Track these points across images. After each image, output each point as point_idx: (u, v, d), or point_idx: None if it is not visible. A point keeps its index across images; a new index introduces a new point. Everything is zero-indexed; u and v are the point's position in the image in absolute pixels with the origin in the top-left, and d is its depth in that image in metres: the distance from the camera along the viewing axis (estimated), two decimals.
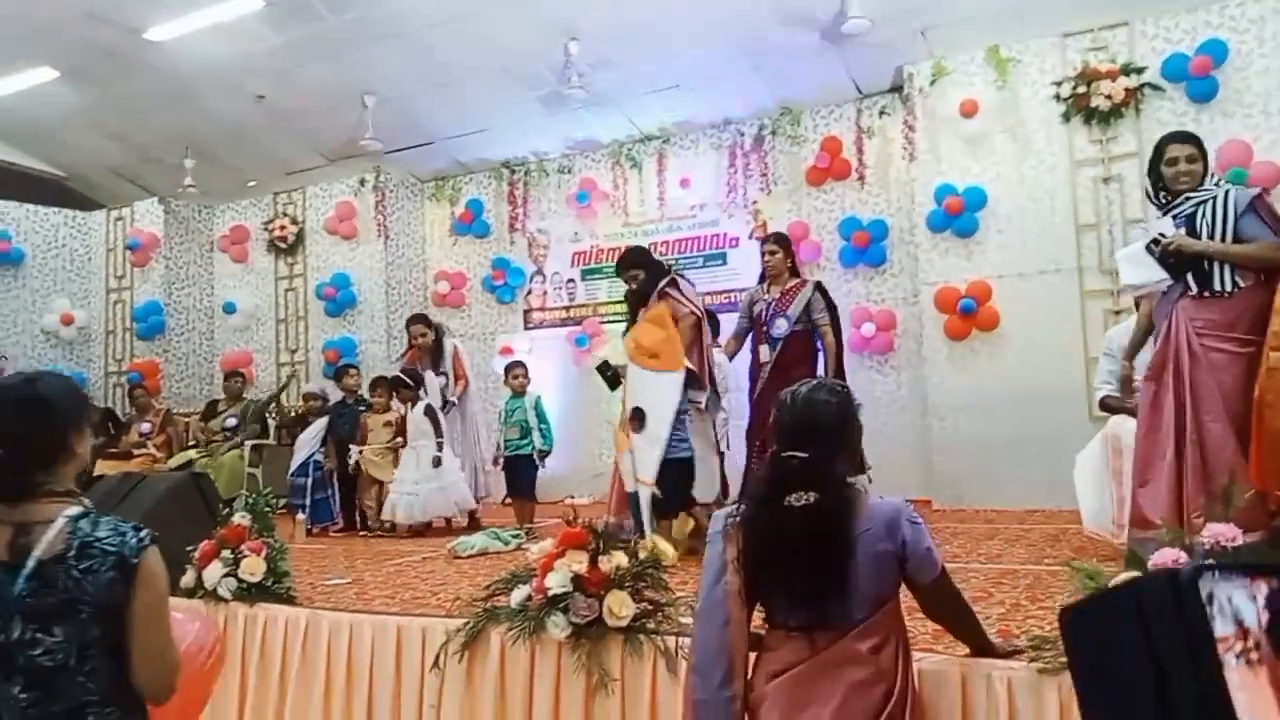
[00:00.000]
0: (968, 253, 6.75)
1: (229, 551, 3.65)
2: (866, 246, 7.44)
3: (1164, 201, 3.63)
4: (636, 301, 4.97)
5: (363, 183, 9.36)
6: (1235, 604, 0.46)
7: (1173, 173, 3.56)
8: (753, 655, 2.11)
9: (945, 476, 6.71)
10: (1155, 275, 3.55)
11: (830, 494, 2.02)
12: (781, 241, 5.81)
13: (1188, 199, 3.53)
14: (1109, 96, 6.26)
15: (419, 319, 6.81)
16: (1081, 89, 6.34)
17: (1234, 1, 6.09)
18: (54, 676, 1.71)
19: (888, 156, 7.52)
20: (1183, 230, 3.50)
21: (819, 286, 5.72)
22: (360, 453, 6.47)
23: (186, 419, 8.89)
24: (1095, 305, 6.29)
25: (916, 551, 2.05)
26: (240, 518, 3.75)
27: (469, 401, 6.85)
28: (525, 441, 6.25)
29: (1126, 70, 6.25)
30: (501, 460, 6.39)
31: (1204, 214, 3.48)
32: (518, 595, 2.94)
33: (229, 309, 10.01)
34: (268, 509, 3.80)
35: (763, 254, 5.79)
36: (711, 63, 7.46)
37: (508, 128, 8.64)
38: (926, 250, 6.91)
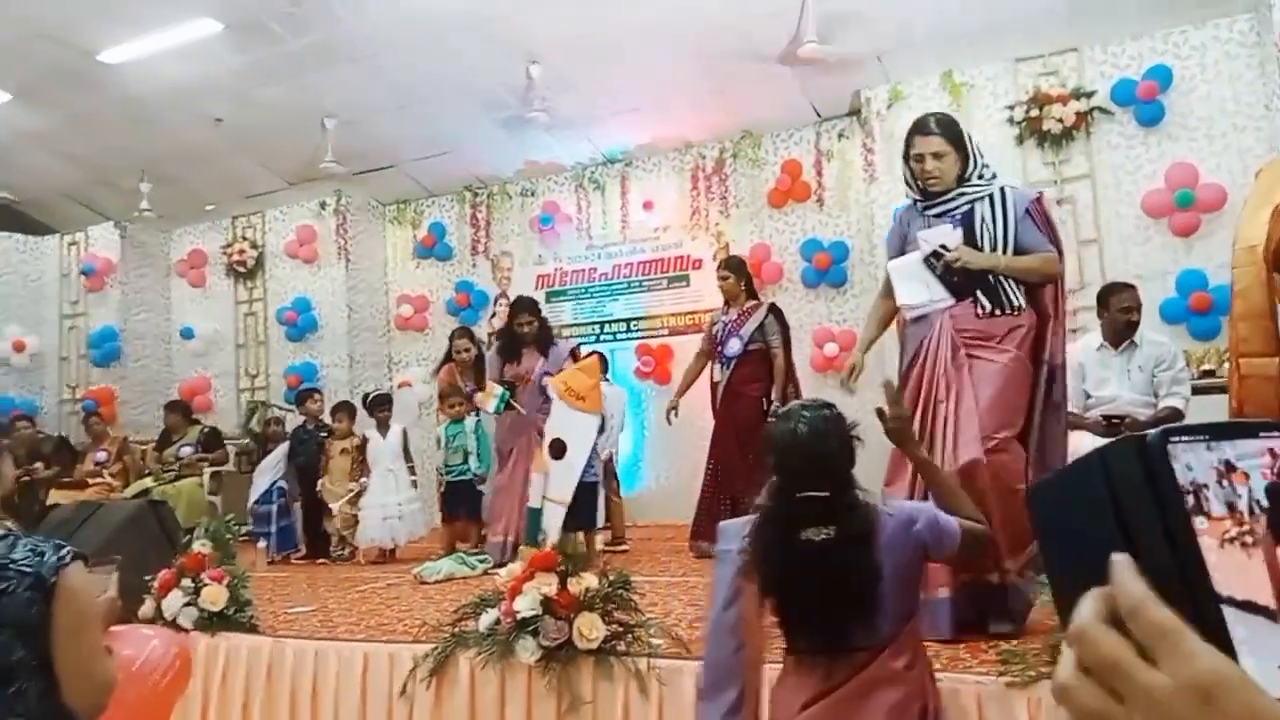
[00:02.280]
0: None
1: (189, 580, 3.57)
2: (828, 268, 7.54)
3: (921, 197, 3.20)
4: (518, 344, 5.88)
5: (323, 206, 9.30)
6: (1226, 480, 0.46)
7: (920, 170, 3.14)
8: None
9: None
10: (938, 294, 3.09)
11: (849, 525, 1.99)
12: (733, 266, 5.94)
13: (961, 194, 3.12)
14: (1060, 120, 6.42)
15: (464, 333, 6.68)
16: (1034, 112, 6.50)
17: (1177, 29, 6.28)
18: None
19: (847, 179, 7.63)
20: (959, 234, 3.08)
21: (773, 309, 5.86)
22: (322, 486, 6.43)
23: (144, 447, 8.72)
24: None
25: (936, 538, 2.05)
26: (200, 545, 3.68)
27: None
28: (466, 466, 6.18)
29: (1077, 94, 6.42)
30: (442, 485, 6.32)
31: (983, 216, 3.09)
32: (486, 619, 2.92)
33: (187, 334, 9.87)
34: (229, 536, 3.73)
35: (718, 279, 5.95)
36: (672, 86, 7.54)
37: (470, 150, 8.64)
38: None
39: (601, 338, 8.50)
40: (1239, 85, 6.10)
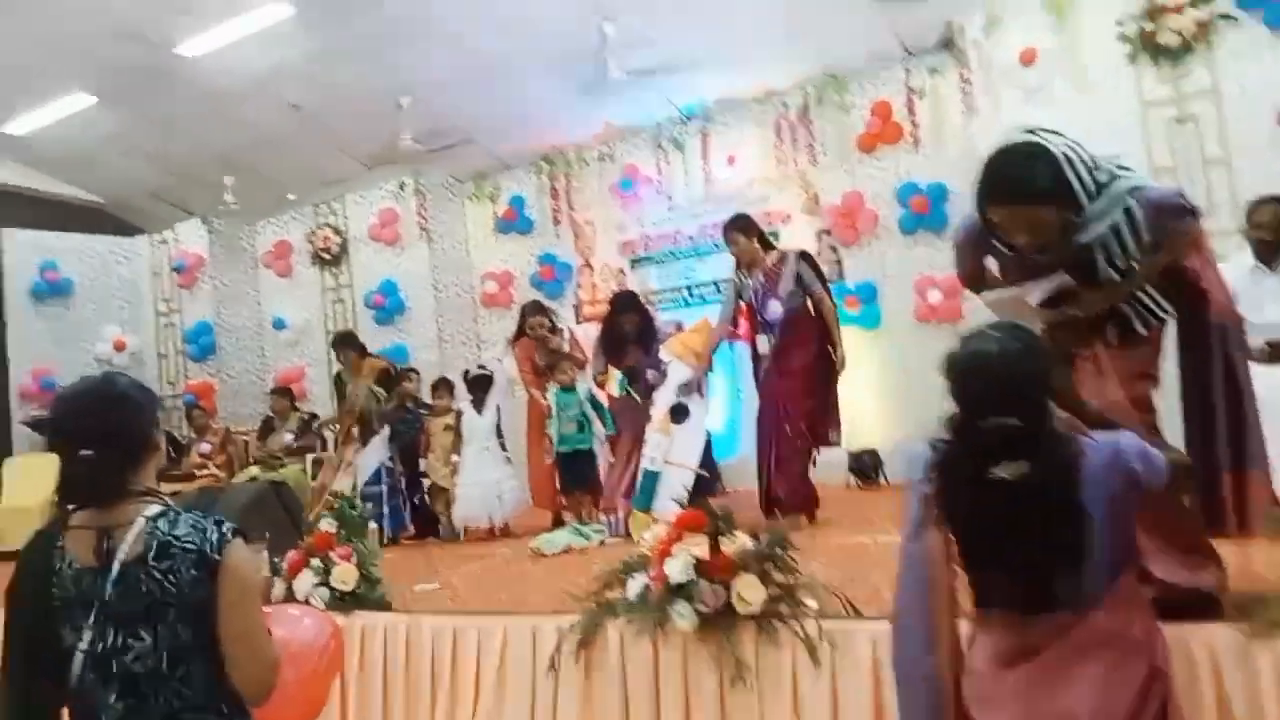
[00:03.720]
0: None
1: (318, 560, 3.52)
2: (927, 212, 7.19)
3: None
4: (622, 340, 5.84)
5: (403, 187, 9.26)
6: None
7: (1008, 240, 2.34)
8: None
9: None
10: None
11: (1047, 459, 1.77)
12: (741, 226, 5.35)
13: (1072, 245, 2.30)
14: (1178, 32, 5.96)
15: (536, 308, 6.56)
16: (1148, 26, 6.04)
17: None
18: (147, 682, 1.68)
19: (942, 117, 7.26)
20: (1078, 278, 2.38)
21: (803, 255, 5.33)
22: (427, 464, 6.39)
23: (245, 437, 8.85)
24: None
25: (1147, 466, 1.81)
26: (327, 524, 3.62)
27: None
28: (584, 436, 5.99)
29: (1195, 2, 5.95)
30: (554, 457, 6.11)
31: (1106, 258, 2.33)
32: (634, 586, 2.77)
33: (278, 325, 9.96)
34: (356, 513, 3.66)
35: (730, 246, 5.39)
36: (748, 33, 7.23)
37: (545, 117, 8.48)
38: None
39: (690, 302, 8.30)
40: None
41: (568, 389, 6.04)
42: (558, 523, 5.98)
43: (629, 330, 5.95)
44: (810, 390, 5.13)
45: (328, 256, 9.75)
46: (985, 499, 1.79)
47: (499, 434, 6.46)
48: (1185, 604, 2.23)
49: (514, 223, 9.19)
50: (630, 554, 2.95)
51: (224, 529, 1.79)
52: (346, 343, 7.16)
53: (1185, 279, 2.44)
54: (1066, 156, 2.19)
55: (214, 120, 8.55)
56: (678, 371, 5.31)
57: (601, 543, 5.01)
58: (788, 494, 5.05)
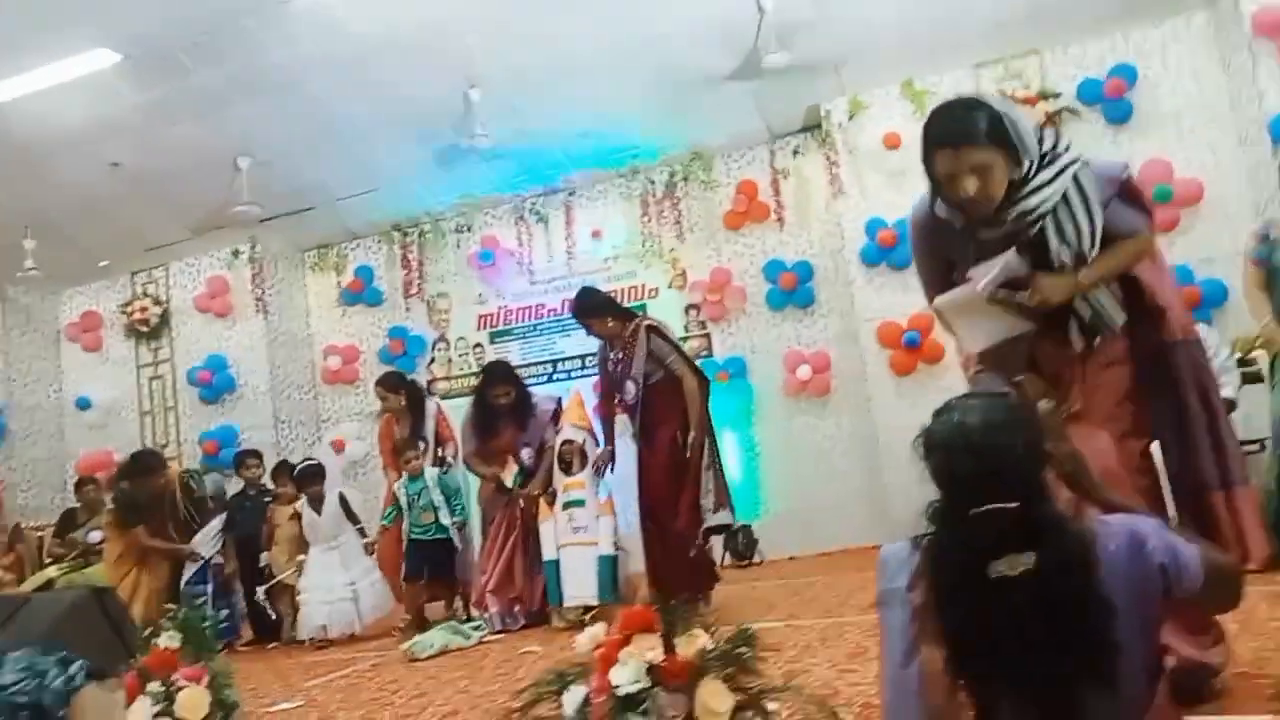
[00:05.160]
0: (904, 285, 6.57)
1: (158, 684, 2.88)
2: (794, 288, 7.23)
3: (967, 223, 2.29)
4: (492, 416, 5.53)
5: (236, 254, 8.53)
6: None
7: (955, 195, 2.20)
8: None
9: (903, 518, 6.39)
10: (1009, 330, 2.35)
11: (1055, 548, 1.52)
12: (586, 311, 5.07)
13: (1023, 212, 2.19)
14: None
15: (382, 381, 6.15)
16: None
17: (1136, 29, 6.26)
18: None
19: (806, 196, 7.38)
20: (1030, 259, 2.26)
21: (651, 328, 4.93)
22: (268, 559, 5.63)
23: (39, 532, 7.70)
24: None
25: (1175, 564, 1.55)
26: (168, 639, 2.99)
27: (458, 464, 5.97)
28: (441, 524, 5.52)
29: (1044, 95, 6.32)
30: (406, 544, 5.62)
31: (1059, 226, 2.23)
32: (572, 700, 2.35)
33: (82, 404, 8.87)
34: (204, 622, 3.05)
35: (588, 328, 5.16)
36: (619, 108, 7.16)
37: (399, 186, 8.05)
38: (861, 286, 6.75)
39: (554, 377, 7.97)
40: (1203, 80, 6.09)
41: (415, 477, 5.57)
42: (419, 620, 5.41)
43: (502, 404, 5.56)
44: (681, 470, 4.85)
45: (145, 329, 8.80)
46: (987, 602, 1.52)
47: (352, 519, 5.83)
48: (1196, 682, 2.07)
49: (361, 294, 8.62)
50: (560, 659, 2.53)
51: (71, 671, 1.30)
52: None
53: (1140, 291, 2.34)
54: (1005, 112, 2.19)
55: (18, 175, 7.58)
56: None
57: (480, 640, 4.51)
58: (676, 576, 4.74)
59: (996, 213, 2.23)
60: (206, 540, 5.75)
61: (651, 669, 2.24)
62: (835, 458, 7.06)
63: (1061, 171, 2.22)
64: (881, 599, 1.81)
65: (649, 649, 2.26)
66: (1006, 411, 1.71)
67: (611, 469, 5.22)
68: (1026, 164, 2.19)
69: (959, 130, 2.18)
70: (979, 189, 2.16)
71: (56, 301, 9.22)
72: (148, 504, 5.89)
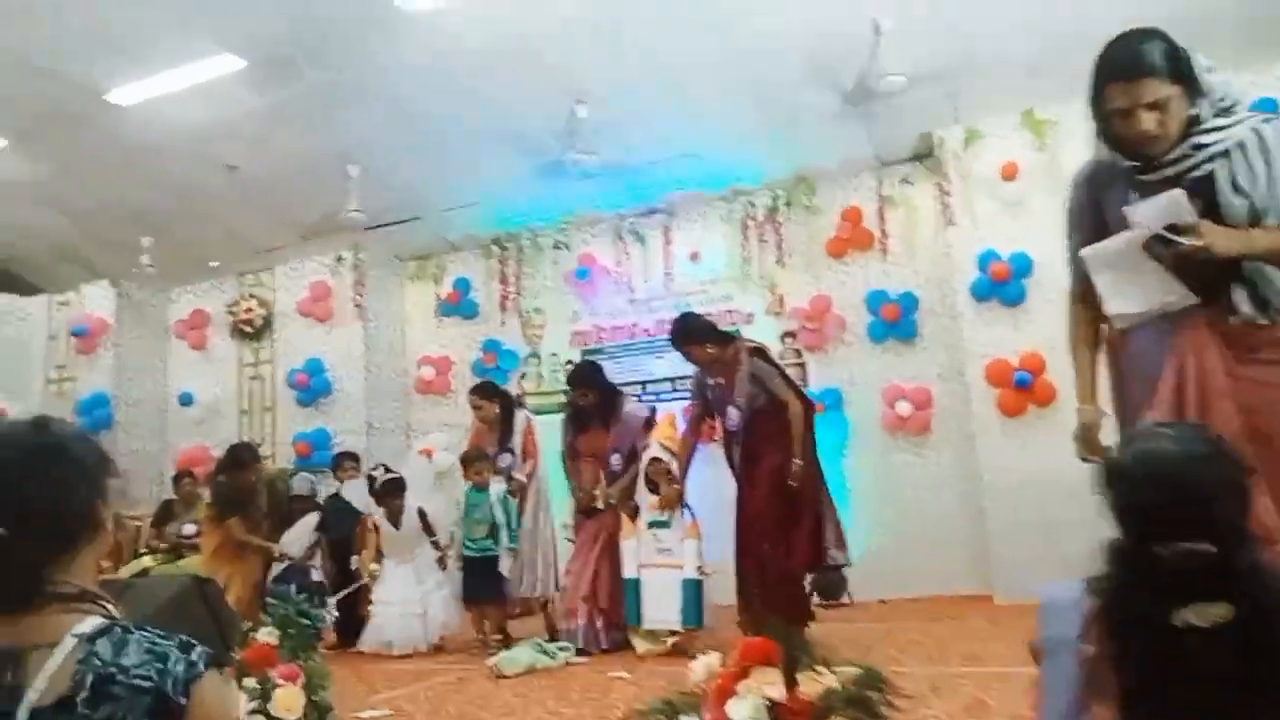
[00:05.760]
0: (1016, 322, 6.33)
1: (254, 681, 2.85)
2: (897, 320, 7.00)
3: (1135, 164, 2.16)
4: (582, 416, 5.51)
5: (339, 260, 8.69)
6: None
7: (1128, 130, 2.09)
8: None
9: (1007, 566, 6.10)
10: (1172, 293, 2.11)
11: (1254, 599, 1.34)
12: (686, 338, 4.98)
13: (1193, 152, 2.07)
14: None
15: (476, 389, 6.14)
16: None
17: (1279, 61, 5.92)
18: None
19: (913, 225, 7.15)
20: (1197, 208, 2.04)
21: (755, 351, 4.89)
22: (364, 562, 5.62)
23: (137, 522, 7.90)
24: None
25: None
26: (266, 634, 2.96)
27: (539, 482, 5.90)
28: (489, 542, 5.46)
29: None
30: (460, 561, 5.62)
31: (1232, 176, 2.06)
32: None
33: (185, 400, 9.12)
34: (306, 620, 3.01)
35: (687, 355, 5.07)
36: (724, 129, 7.07)
37: (501, 200, 8.10)
38: (970, 320, 6.48)
39: (643, 398, 7.86)
40: None
41: (479, 488, 5.52)
42: (505, 636, 5.36)
43: (584, 407, 5.50)
44: (786, 502, 4.69)
45: (249, 330, 9.03)
46: (1171, 656, 1.35)
47: (429, 533, 5.79)
48: None
49: (457, 306, 8.69)
50: (670, 689, 2.40)
51: (193, 656, 1.22)
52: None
53: None
54: (1191, 54, 2.10)
55: (139, 176, 7.88)
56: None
57: (567, 662, 4.42)
58: (771, 611, 4.58)
59: (1165, 155, 2.10)
60: (297, 540, 5.78)
61: (772, 706, 2.10)
62: (933, 499, 6.77)
63: (1244, 120, 2.10)
64: (1043, 648, 1.64)
65: (769, 684, 2.12)
66: (1206, 444, 1.53)
67: (685, 509, 5.09)
68: (1204, 106, 2.09)
69: (1136, 61, 2.07)
70: (1156, 123, 2.06)
71: (166, 299, 9.53)
72: (242, 498, 5.98)
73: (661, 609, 4.85)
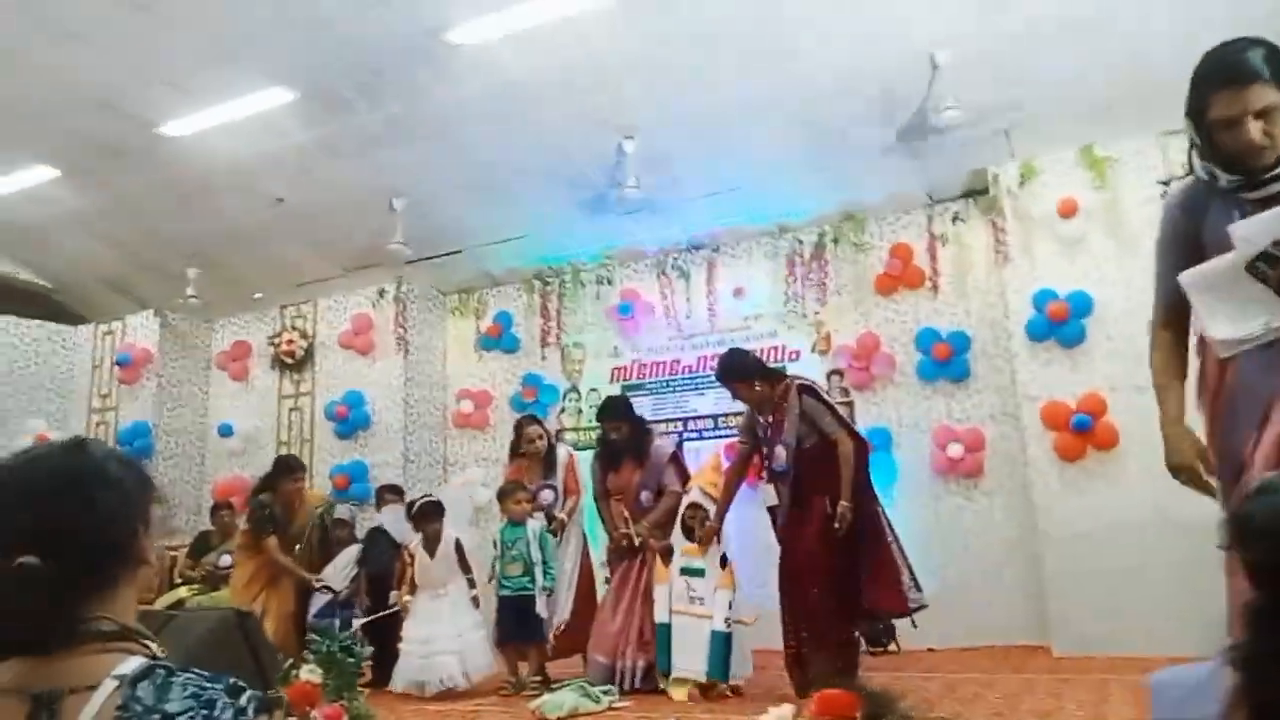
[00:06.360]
0: (1073, 364, 6.14)
1: None
2: (948, 359, 6.83)
3: (1232, 175, 2.08)
4: (614, 451, 5.46)
5: (382, 294, 8.69)
6: None
7: (1234, 140, 2.02)
8: None
9: (1066, 617, 5.86)
10: (1271, 317, 2.00)
11: None
12: (733, 376, 4.86)
13: None
14: None
15: (534, 420, 6.04)
16: None
17: None
18: None
19: (965, 264, 7.00)
20: None
21: (804, 389, 4.71)
22: (400, 596, 5.47)
23: (173, 552, 7.86)
24: None
25: None
26: (309, 672, 2.84)
27: (580, 521, 5.81)
28: (525, 580, 5.28)
29: None
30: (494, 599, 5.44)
31: None
32: None
33: (225, 431, 9.12)
34: (349, 657, 2.89)
35: (737, 394, 4.96)
36: (769, 163, 6.99)
37: (545, 234, 8.06)
38: (1026, 361, 6.29)
39: (686, 436, 7.73)
40: None
41: (515, 523, 5.38)
42: (545, 678, 5.20)
43: (615, 440, 5.43)
44: (838, 547, 4.51)
45: (290, 361, 9.03)
46: None
47: (464, 568, 5.64)
48: None
49: (498, 340, 8.63)
50: None
51: (243, 702, 1.10)
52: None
53: None
54: None
55: (187, 208, 7.95)
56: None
57: (610, 706, 4.25)
58: (821, 658, 4.41)
59: (1272, 169, 2.02)
60: (338, 573, 5.68)
61: None
62: (986, 545, 6.54)
63: None
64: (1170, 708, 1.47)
65: None
66: None
67: (721, 557, 4.98)
68: None
69: (1244, 68, 2.01)
70: (1263, 132, 1.99)
71: (209, 330, 9.58)
72: (280, 515, 5.92)
73: (689, 659, 4.77)
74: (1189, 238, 2.21)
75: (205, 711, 1.07)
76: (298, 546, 5.93)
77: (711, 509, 4.99)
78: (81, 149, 7.25)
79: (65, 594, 1.11)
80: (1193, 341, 2.34)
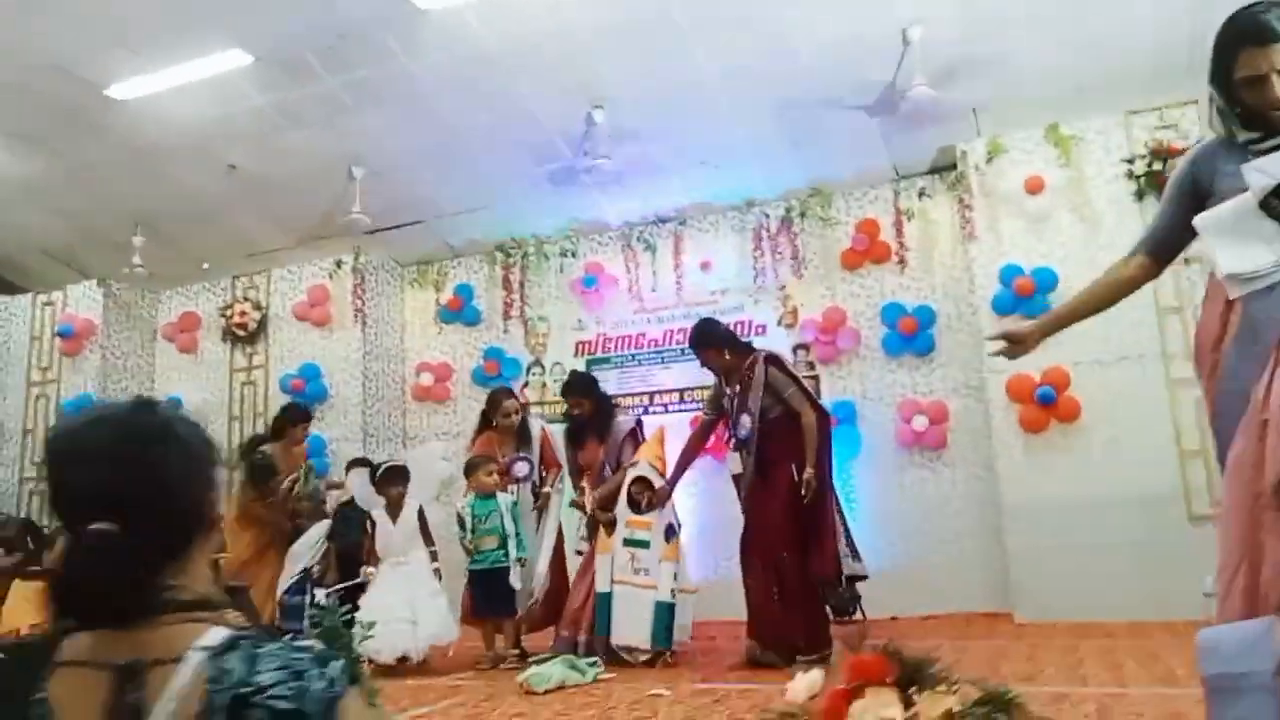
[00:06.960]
0: None
1: None
2: (914, 333, 6.91)
3: (1251, 131, 2.17)
4: (579, 428, 5.48)
5: (339, 265, 8.48)
6: None
7: (1259, 96, 2.12)
8: None
9: (1027, 586, 6.02)
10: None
11: None
12: (704, 343, 4.96)
13: None
14: None
15: (510, 393, 5.92)
16: (1157, 166, 6.03)
17: None
18: None
19: (931, 239, 7.08)
20: None
21: (770, 359, 4.84)
22: (366, 573, 5.36)
23: None
24: (1186, 394, 5.79)
25: None
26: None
27: (558, 494, 5.75)
28: (499, 553, 5.21)
29: None
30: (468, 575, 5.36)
31: None
32: None
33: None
34: (344, 634, 2.82)
35: (704, 362, 5.08)
36: (740, 138, 6.98)
37: (508, 206, 7.93)
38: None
39: (651, 409, 7.73)
40: None
41: (485, 496, 5.31)
42: (522, 651, 5.19)
43: (578, 415, 5.46)
44: (799, 512, 4.59)
45: (242, 333, 8.78)
46: None
47: (427, 539, 5.52)
48: None
49: (459, 312, 8.50)
50: (694, 704, 2.25)
51: (330, 669, 1.07)
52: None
53: None
54: None
55: (135, 174, 7.63)
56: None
57: (597, 678, 4.26)
58: (786, 628, 4.49)
59: None
60: (305, 549, 5.56)
61: None
62: (949, 516, 6.68)
63: None
64: (1221, 685, 1.50)
65: (886, 705, 1.98)
66: None
67: (669, 528, 5.10)
68: None
69: (1267, 29, 2.10)
70: None
71: (156, 300, 9.27)
72: (281, 470, 5.91)
73: (632, 628, 4.84)
74: (1196, 191, 2.30)
75: (296, 682, 1.03)
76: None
77: (659, 482, 5.09)
78: (26, 112, 6.91)
79: (142, 562, 1.06)
80: (1189, 321, 2.41)
